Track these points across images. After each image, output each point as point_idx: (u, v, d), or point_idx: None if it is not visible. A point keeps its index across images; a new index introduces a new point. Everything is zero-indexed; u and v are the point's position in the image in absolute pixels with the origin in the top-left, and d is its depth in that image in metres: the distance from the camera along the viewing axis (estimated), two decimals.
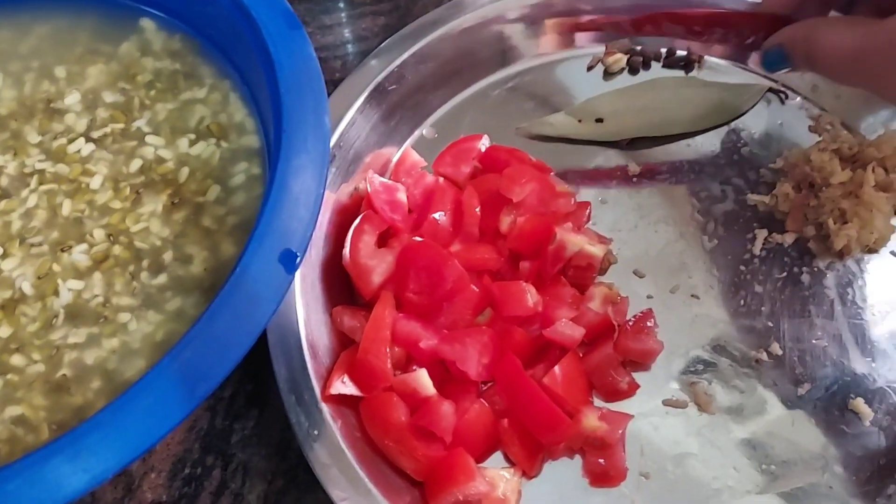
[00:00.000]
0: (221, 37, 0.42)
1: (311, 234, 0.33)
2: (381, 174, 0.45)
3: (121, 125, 0.40)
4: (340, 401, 0.37)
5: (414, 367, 0.38)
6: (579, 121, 0.46)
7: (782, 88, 0.48)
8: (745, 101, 0.47)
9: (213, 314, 0.30)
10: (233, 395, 0.40)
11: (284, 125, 0.34)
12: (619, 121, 0.46)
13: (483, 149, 0.45)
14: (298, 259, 0.32)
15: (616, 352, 0.39)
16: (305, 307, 0.39)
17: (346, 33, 0.51)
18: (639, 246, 0.43)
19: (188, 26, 0.43)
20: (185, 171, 0.39)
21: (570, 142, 0.46)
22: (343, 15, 0.52)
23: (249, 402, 0.39)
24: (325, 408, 0.36)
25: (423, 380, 0.37)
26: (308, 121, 0.35)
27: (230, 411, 0.39)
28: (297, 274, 0.39)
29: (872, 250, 0.43)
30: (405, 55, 0.47)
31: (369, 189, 0.41)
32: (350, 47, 0.50)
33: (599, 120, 0.46)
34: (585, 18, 0.43)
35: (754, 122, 0.47)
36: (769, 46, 0.39)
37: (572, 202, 0.42)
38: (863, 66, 0.34)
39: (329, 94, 0.45)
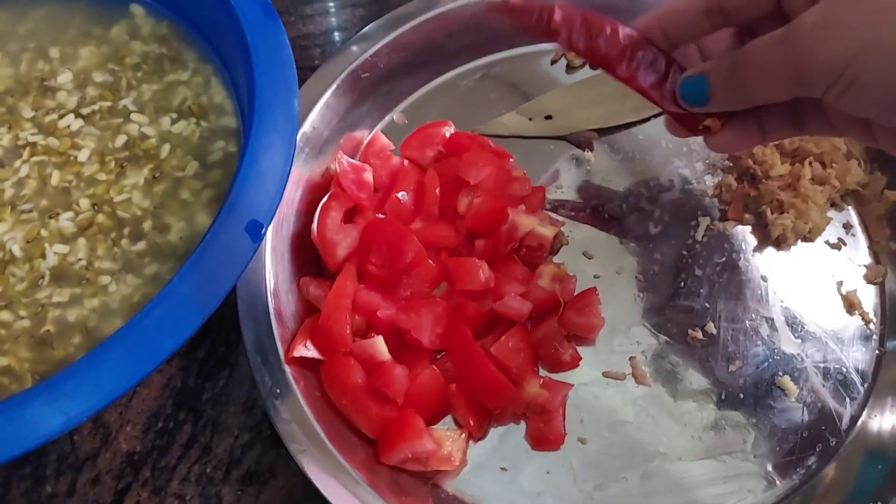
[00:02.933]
0: (205, 24, 0.45)
1: (277, 206, 0.36)
2: (352, 156, 0.48)
3: (108, 103, 0.43)
4: (303, 363, 0.40)
5: (372, 335, 0.41)
6: (530, 119, 0.49)
7: None
8: None
9: (183, 276, 0.33)
10: (205, 356, 0.43)
11: (256, 106, 0.37)
12: (567, 116, 0.49)
13: (448, 135, 0.48)
14: (264, 229, 0.35)
15: (561, 326, 0.42)
16: (275, 277, 0.42)
17: (327, 23, 0.54)
18: (589, 229, 0.46)
19: (174, 13, 0.46)
20: (166, 147, 0.42)
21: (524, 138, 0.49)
22: (324, 5, 0.54)
23: (220, 363, 0.42)
24: (288, 369, 0.39)
25: (379, 346, 0.40)
26: (279, 103, 0.38)
27: (202, 371, 0.42)
28: (268, 246, 0.43)
29: (808, 239, 0.46)
30: (378, 45, 0.49)
31: (338, 169, 0.44)
32: (330, 36, 0.53)
33: (549, 117, 0.49)
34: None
35: None
36: (691, 74, 0.35)
37: (527, 186, 0.45)
38: (788, 53, 0.30)
39: (307, 80, 0.48)
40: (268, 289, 0.42)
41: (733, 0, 0.33)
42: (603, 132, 0.50)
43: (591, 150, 0.49)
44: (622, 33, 0.36)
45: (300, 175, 0.45)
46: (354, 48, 0.49)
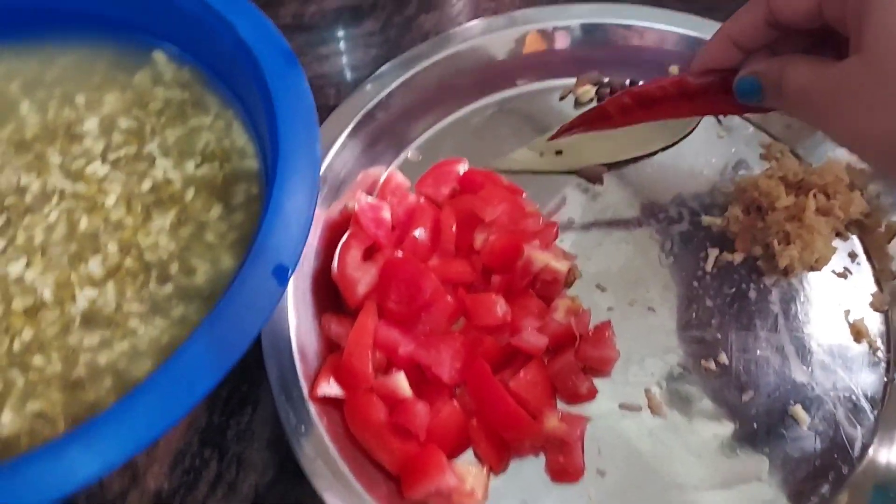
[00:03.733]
0: (226, 70, 0.46)
1: (302, 250, 0.37)
2: (369, 193, 0.49)
3: (134, 148, 0.44)
4: (326, 400, 0.41)
5: (393, 371, 0.42)
6: (541, 154, 0.50)
7: None
8: (688, 122, 0.52)
9: (212, 321, 0.34)
10: (229, 394, 0.44)
11: (280, 152, 0.39)
12: (577, 151, 0.50)
13: (461, 172, 0.49)
14: (290, 272, 0.36)
15: (577, 359, 0.43)
16: (297, 314, 0.44)
17: (341, 63, 0.55)
18: (602, 262, 0.48)
19: (196, 59, 0.47)
20: (191, 191, 0.43)
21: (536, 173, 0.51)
22: (338, 46, 0.56)
23: (244, 400, 0.43)
24: (311, 406, 0.40)
25: (400, 382, 0.41)
26: (301, 149, 0.39)
27: (226, 409, 0.43)
28: (290, 284, 0.44)
29: (815, 269, 0.47)
30: (392, 86, 0.51)
31: (357, 207, 0.45)
32: (344, 76, 0.55)
33: (559, 152, 0.50)
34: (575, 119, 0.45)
35: (710, 150, 0.52)
36: (745, 74, 0.39)
37: (540, 221, 0.47)
38: (811, 102, 0.36)
39: (323, 120, 0.50)
40: (290, 327, 0.43)
41: (785, 15, 0.37)
42: (612, 166, 0.51)
43: (601, 184, 0.50)
44: (665, 82, 0.41)
45: (320, 213, 0.47)
46: (368, 88, 0.51)
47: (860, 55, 0.32)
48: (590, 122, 0.44)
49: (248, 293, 0.35)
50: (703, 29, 0.53)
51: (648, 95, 0.42)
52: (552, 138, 0.46)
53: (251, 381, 0.44)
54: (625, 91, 0.43)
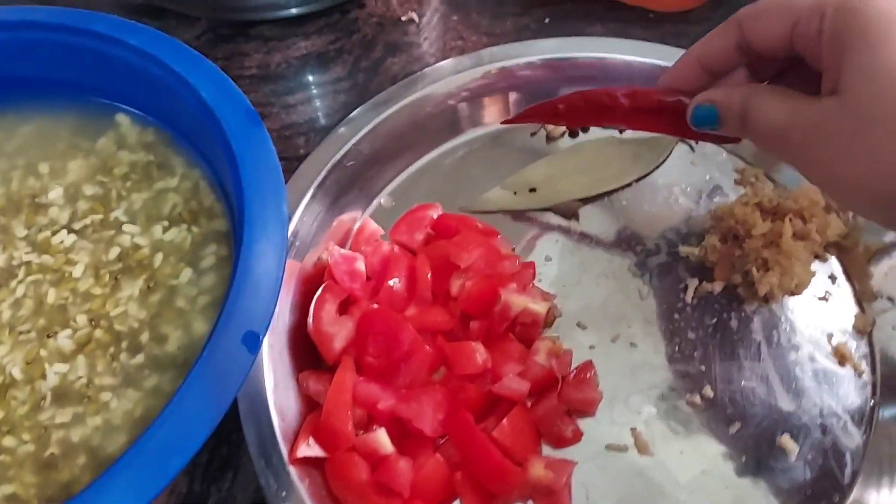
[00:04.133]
0: (190, 130, 0.46)
1: (272, 314, 0.36)
2: (343, 242, 0.49)
3: (100, 216, 0.44)
4: (307, 462, 0.40)
5: (374, 427, 0.41)
6: (514, 193, 0.50)
7: None
8: (660, 153, 0.52)
9: (182, 395, 0.34)
10: (209, 459, 0.43)
11: (246, 216, 0.38)
12: (551, 188, 0.50)
13: (435, 216, 0.48)
14: (261, 338, 0.36)
15: (560, 402, 0.42)
16: (274, 373, 0.43)
17: (309, 112, 0.55)
18: (582, 299, 0.47)
19: (160, 120, 0.47)
20: (159, 256, 0.42)
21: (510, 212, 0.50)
22: (305, 94, 0.56)
23: (224, 465, 0.43)
24: (292, 470, 0.39)
25: (381, 439, 0.40)
26: (268, 210, 0.39)
27: (206, 475, 0.42)
28: (266, 342, 0.43)
29: (795, 294, 0.47)
30: (361, 132, 0.51)
31: (330, 260, 0.45)
32: (313, 125, 0.54)
33: (533, 189, 0.50)
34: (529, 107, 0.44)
35: (684, 178, 0.51)
36: (702, 101, 0.38)
37: (517, 263, 0.46)
38: (787, 142, 0.35)
39: (293, 171, 0.50)
40: (267, 387, 0.42)
41: (758, 43, 0.36)
42: (587, 200, 0.51)
43: (577, 220, 0.50)
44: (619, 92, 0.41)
45: (293, 266, 0.46)
46: (337, 136, 0.51)
47: (839, 98, 0.32)
48: (540, 115, 0.44)
49: (218, 363, 0.35)
50: (669, 57, 0.52)
51: (599, 101, 0.42)
52: (506, 121, 0.45)
53: (231, 444, 0.43)
54: (578, 92, 0.42)
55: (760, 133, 0.36)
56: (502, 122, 0.46)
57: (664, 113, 0.40)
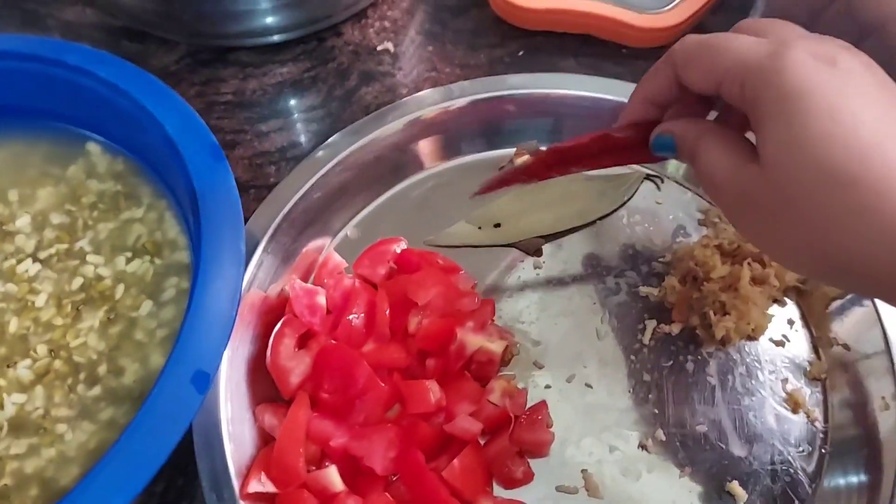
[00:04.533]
0: (157, 160, 0.46)
1: (222, 354, 0.37)
2: (308, 273, 0.50)
3: (65, 245, 0.44)
4: (259, 497, 0.41)
5: (327, 463, 0.42)
6: (479, 228, 0.50)
7: (658, 174, 0.53)
8: (626, 190, 0.52)
9: (130, 434, 0.34)
10: (164, 489, 0.43)
11: (203, 253, 0.39)
12: (515, 223, 0.50)
13: (399, 251, 0.49)
14: (210, 377, 0.36)
15: (512, 442, 0.43)
16: (232, 405, 0.43)
17: (281, 140, 0.55)
18: (540, 338, 0.48)
19: (128, 150, 0.48)
20: (121, 287, 0.43)
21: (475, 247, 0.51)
22: (279, 122, 0.56)
23: (179, 496, 0.43)
24: None
25: (332, 477, 0.41)
26: (225, 248, 0.39)
27: None
28: (223, 374, 0.43)
29: (752, 338, 0.47)
30: (331, 163, 0.51)
31: (291, 294, 0.46)
32: (285, 153, 0.55)
33: (497, 225, 0.50)
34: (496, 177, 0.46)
35: (648, 218, 0.52)
36: (661, 131, 0.39)
37: (476, 301, 0.47)
38: (720, 198, 0.35)
39: (262, 199, 0.50)
40: (223, 419, 0.42)
41: (691, 86, 0.36)
42: (550, 237, 0.51)
43: (540, 256, 0.51)
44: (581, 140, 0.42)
45: (256, 297, 0.47)
46: (306, 167, 0.51)
47: (761, 169, 0.32)
48: (507, 181, 0.45)
49: (165, 403, 0.35)
50: None
51: (572, 153, 0.43)
52: (475, 195, 0.46)
53: (187, 475, 0.44)
54: (550, 148, 0.43)
55: (702, 179, 0.36)
56: (471, 197, 0.46)
57: (630, 147, 0.41)
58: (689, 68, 0.35)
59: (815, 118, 0.30)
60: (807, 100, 0.30)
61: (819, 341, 0.47)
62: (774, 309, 0.48)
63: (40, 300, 0.43)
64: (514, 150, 0.54)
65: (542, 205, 0.51)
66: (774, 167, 0.31)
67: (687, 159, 0.37)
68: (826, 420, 0.45)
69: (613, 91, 0.53)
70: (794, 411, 0.45)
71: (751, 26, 0.36)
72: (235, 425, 0.43)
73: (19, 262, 0.44)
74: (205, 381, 0.36)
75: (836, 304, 0.47)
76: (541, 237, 0.51)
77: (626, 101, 0.52)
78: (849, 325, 0.47)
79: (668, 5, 0.59)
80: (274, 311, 0.47)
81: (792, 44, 0.31)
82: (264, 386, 0.45)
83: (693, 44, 0.36)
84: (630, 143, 0.41)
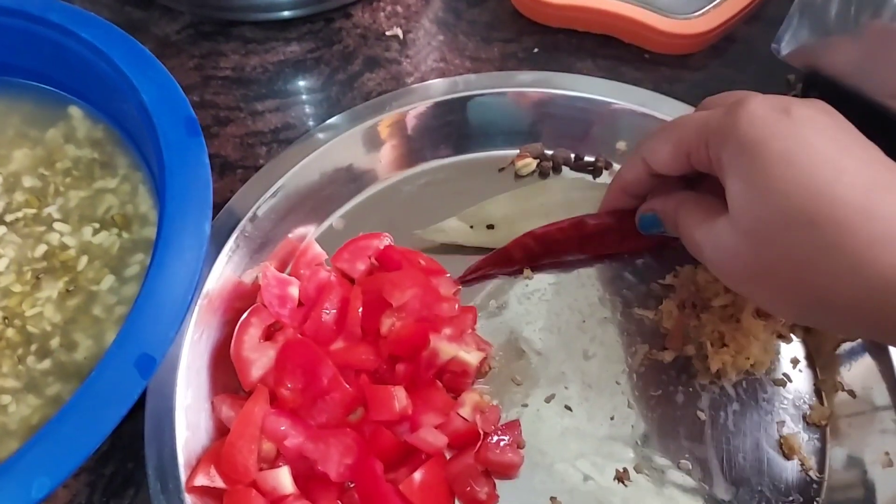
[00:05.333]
0: (135, 131, 0.44)
1: (172, 340, 0.35)
2: (286, 262, 0.47)
3: (33, 210, 0.43)
4: (205, 491, 0.39)
5: (280, 463, 0.39)
6: (471, 227, 0.48)
7: None
8: None
9: (64, 415, 0.32)
10: (113, 472, 0.42)
11: (163, 233, 0.37)
12: (510, 226, 0.47)
13: (381, 247, 0.46)
14: (157, 362, 0.34)
15: (477, 461, 0.40)
16: (192, 392, 0.41)
17: (276, 120, 0.53)
18: (521, 352, 0.45)
19: (109, 117, 0.46)
20: (84, 259, 0.41)
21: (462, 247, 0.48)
22: (275, 103, 0.54)
23: (127, 481, 0.41)
24: (188, 498, 0.38)
25: (282, 478, 0.38)
26: (188, 229, 0.37)
27: (108, 489, 0.41)
28: (183, 359, 0.41)
29: (750, 374, 0.44)
30: (319, 149, 0.49)
31: (262, 282, 0.43)
32: (277, 135, 0.53)
33: (491, 226, 0.47)
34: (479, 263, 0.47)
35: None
36: (644, 210, 0.43)
37: (456, 307, 0.44)
38: (702, 256, 0.37)
39: (247, 180, 0.48)
40: (177, 406, 0.40)
41: (661, 170, 0.39)
42: None
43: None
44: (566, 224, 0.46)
45: (230, 281, 0.45)
46: (295, 150, 0.49)
47: (730, 220, 0.34)
48: (495, 263, 0.47)
49: (105, 385, 0.33)
50: (656, 105, 0.50)
51: (550, 238, 0.46)
52: (461, 279, 0.47)
53: (137, 460, 0.42)
54: (528, 234, 0.46)
55: (685, 242, 0.39)
56: (459, 281, 0.46)
57: (607, 234, 0.45)
58: (657, 152, 0.38)
59: (772, 164, 0.31)
60: (762, 148, 0.32)
61: (823, 385, 0.43)
62: (779, 346, 0.44)
63: (1, 264, 0.41)
64: (517, 151, 0.51)
65: (539, 210, 0.48)
66: (741, 216, 0.33)
67: (672, 229, 0.40)
68: (821, 470, 0.41)
69: (629, 98, 0.50)
70: (788, 457, 0.41)
71: (714, 100, 0.39)
72: (192, 414, 0.41)
73: None
74: (150, 365, 0.34)
75: (846, 346, 0.44)
76: None
77: (641, 108, 0.50)
78: (858, 371, 0.43)
79: (697, 11, 0.55)
80: (246, 298, 0.45)
81: (747, 100, 0.33)
82: (227, 375, 0.43)
83: (657, 129, 0.39)
84: (603, 230, 0.45)
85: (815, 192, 0.30)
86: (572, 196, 0.48)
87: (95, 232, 0.42)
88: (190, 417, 0.41)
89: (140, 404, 0.35)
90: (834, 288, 0.31)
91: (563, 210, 0.48)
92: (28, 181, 0.44)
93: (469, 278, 0.46)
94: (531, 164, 0.51)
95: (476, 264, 0.46)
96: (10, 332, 0.39)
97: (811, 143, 0.31)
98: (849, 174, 0.30)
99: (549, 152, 0.51)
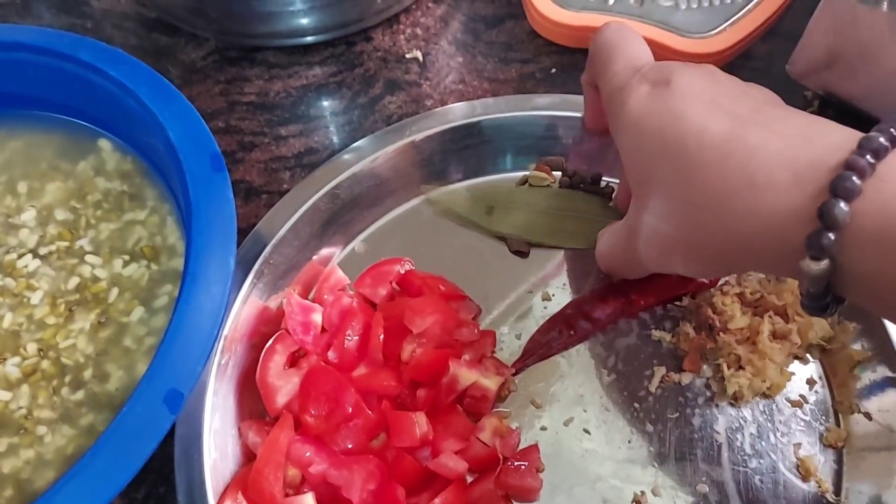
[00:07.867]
0: (162, 164, 0.46)
1: (200, 373, 0.36)
2: (310, 286, 0.48)
3: (66, 243, 0.44)
4: None
5: (306, 488, 0.41)
6: (473, 202, 0.50)
7: None
8: None
9: (95, 452, 0.33)
10: (145, 496, 0.43)
11: (190, 267, 0.38)
12: (505, 214, 0.48)
13: (402, 272, 0.47)
14: (184, 397, 0.36)
15: (497, 486, 0.41)
16: (220, 418, 0.42)
17: (299, 146, 0.54)
18: (541, 375, 0.45)
19: (137, 150, 0.47)
20: (115, 291, 0.43)
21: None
22: (298, 127, 0.55)
23: None
24: None
25: None
26: (213, 263, 0.38)
27: None
28: (210, 385, 0.43)
29: (767, 396, 0.44)
30: (344, 174, 0.50)
31: (286, 309, 0.45)
32: (301, 160, 0.54)
33: (490, 209, 0.48)
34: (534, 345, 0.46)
35: None
36: None
37: (475, 332, 0.45)
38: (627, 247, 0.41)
39: (272, 205, 0.49)
40: (205, 431, 0.42)
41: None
42: (538, 245, 0.49)
43: (526, 258, 0.49)
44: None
45: (255, 306, 0.46)
46: (319, 176, 0.50)
47: (633, 202, 0.39)
48: (535, 354, 0.46)
49: (135, 421, 0.34)
50: None
51: (569, 323, 0.46)
52: (514, 366, 0.45)
53: (168, 483, 0.43)
54: (551, 321, 0.47)
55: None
56: (511, 371, 0.45)
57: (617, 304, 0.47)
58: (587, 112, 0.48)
59: (648, 142, 0.35)
60: (640, 126, 0.35)
61: (840, 406, 0.44)
62: (796, 366, 0.45)
63: (36, 297, 0.43)
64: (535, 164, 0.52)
65: (542, 208, 0.49)
66: (634, 190, 0.38)
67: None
68: (838, 492, 0.41)
69: None
70: (805, 479, 0.42)
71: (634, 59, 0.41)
72: (220, 438, 0.42)
73: (20, 256, 0.44)
74: (178, 400, 0.35)
75: (864, 369, 0.44)
76: (528, 243, 0.49)
77: None
78: (874, 393, 0.43)
79: (714, 29, 0.55)
80: (271, 323, 0.46)
81: (638, 78, 0.37)
82: (253, 400, 0.44)
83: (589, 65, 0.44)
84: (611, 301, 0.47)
85: (684, 161, 0.33)
86: (582, 207, 0.49)
87: (125, 264, 0.43)
88: (218, 441, 0.42)
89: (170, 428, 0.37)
90: (719, 238, 0.33)
91: (570, 218, 0.49)
92: (61, 214, 0.45)
93: (519, 367, 0.46)
94: (545, 178, 0.51)
95: (524, 358, 0.46)
96: (45, 364, 0.41)
97: (681, 113, 0.33)
98: (710, 133, 0.32)
99: (571, 170, 0.52)
